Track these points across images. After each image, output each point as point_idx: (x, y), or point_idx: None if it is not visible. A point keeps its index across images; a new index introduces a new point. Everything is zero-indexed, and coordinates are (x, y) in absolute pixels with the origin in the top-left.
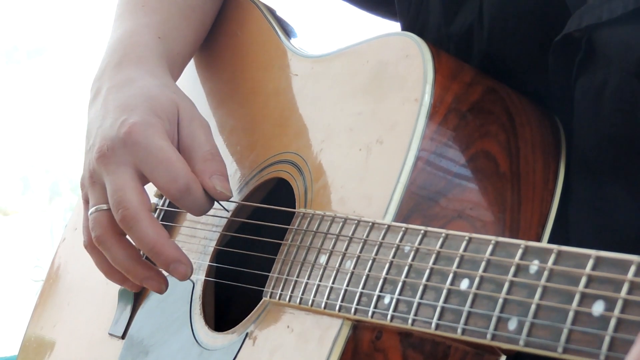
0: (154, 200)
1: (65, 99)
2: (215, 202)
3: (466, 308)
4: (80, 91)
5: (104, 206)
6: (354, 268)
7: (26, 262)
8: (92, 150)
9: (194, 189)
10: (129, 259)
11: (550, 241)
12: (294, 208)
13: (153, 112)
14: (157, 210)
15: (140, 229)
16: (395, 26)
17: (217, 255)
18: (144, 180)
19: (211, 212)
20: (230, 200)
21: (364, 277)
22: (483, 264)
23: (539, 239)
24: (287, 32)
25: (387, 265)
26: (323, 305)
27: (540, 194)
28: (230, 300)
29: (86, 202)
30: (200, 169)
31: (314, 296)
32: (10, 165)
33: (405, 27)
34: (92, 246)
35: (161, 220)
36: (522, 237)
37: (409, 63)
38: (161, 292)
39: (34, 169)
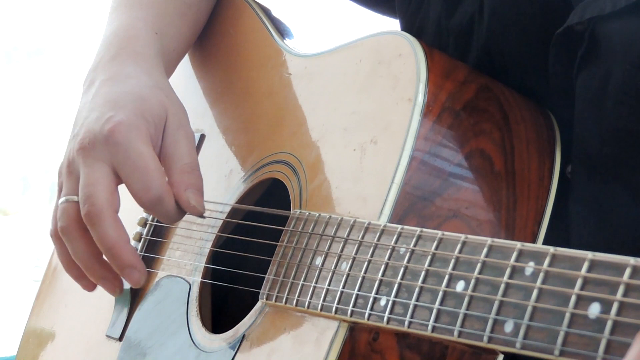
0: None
1: (65, 99)
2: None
3: (462, 310)
4: (80, 91)
5: (75, 198)
6: (349, 270)
7: (26, 262)
8: (75, 140)
9: (165, 201)
10: (89, 255)
11: (549, 238)
12: (289, 208)
13: (141, 113)
14: None
15: (101, 228)
16: (391, 24)
17: (213, 257)
18: (118, 180)
19: (206, 213)
20: (225, 203)
21: (360, 279)
22: (479, 265)
23: (535, 237)
24: (282, 31)
25: (382, 267)
26: (319, 307)
27: (535, 191)
28: (227, 301)
29: (60, 190)
30: (177, 180)
31: (310, 298)
32: (10, 165)
33: (405, 23)
34: (57, 236)
35: (156, 222)
36: (518, 235)
37: (401, 62)
38: (114, 294)
39: (34, 169)
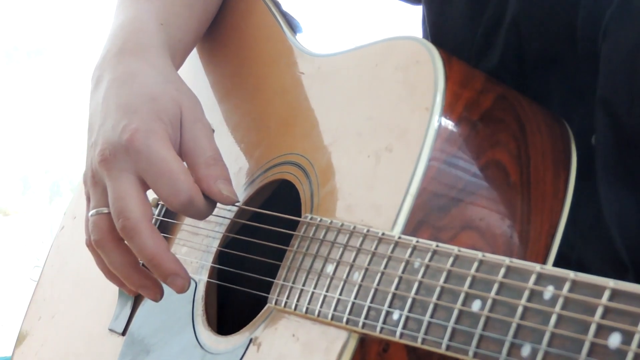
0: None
1: (65, 99)
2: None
3: (478, 330)
4: (80, 91)
5: (105, 209)
6: (362, 280)
7: (26, 262)
8: (95, 150)
9: (196, 200)
10: (127, 265)
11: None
12: (299, 210)
13: (155, 115)
14: (159, 206)
15: (140, 240)
16: (399, 27)
17: (220, 256)
18: (145, 186)
19: (214, 211)
20: (235, 204)
21: (373, 291)
22: (496, 286)
23: (548, 250)
24: (292, 26)
25: (396, 280)
26: (330, 316)
27: (550, 203)
28: (232, 302)
29: (88, 199)
30: (204, 174)
31: (321, 307)
32: (10, 165)
33: (429, 12)
34: (92, 246)
35: (163, 217)
36: (532, 247)
37: (419, 69)
38: (156, 300)
39: (34, 169)
